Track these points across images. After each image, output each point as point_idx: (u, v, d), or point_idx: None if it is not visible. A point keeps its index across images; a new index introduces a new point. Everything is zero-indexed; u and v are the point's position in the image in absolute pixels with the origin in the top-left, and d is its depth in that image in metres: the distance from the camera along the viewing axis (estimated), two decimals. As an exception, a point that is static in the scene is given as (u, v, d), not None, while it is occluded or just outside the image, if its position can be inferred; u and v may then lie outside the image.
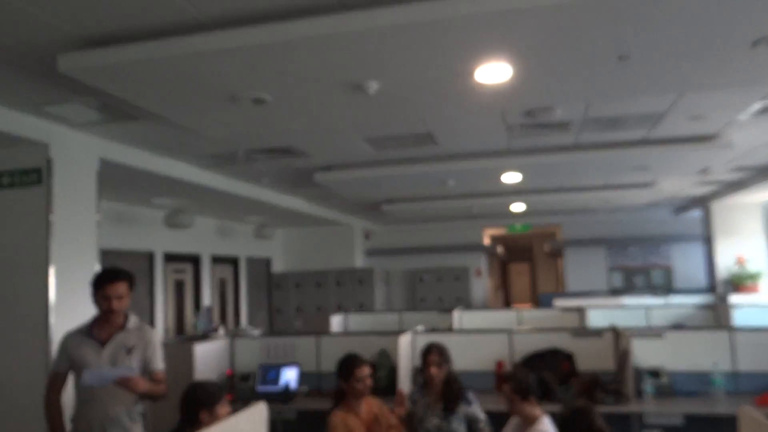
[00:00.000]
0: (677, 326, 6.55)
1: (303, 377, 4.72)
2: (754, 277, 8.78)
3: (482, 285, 12.28)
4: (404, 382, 4.27)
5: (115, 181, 5.43)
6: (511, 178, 6.78)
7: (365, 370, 3.25)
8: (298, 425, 4.28)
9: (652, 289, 10.83)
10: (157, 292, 7.49)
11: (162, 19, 2.67)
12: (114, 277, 2.96)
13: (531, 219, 11.73)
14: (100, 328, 2.99)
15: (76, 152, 4.31)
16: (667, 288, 11.02)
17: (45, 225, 3.98)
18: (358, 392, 3.21)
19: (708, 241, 9.57)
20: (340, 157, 5.85)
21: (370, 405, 3.30)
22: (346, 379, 3.23)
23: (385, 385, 4.33)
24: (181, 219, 7.44)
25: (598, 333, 4.65)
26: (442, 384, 3.47)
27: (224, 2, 2.56)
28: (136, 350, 2.99)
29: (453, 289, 11.72)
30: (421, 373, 3.66)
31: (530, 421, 3.01)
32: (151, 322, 7.18)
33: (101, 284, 2.94)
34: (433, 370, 3.49)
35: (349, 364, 3.27)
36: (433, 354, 3.54)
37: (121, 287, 2.95)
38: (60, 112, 3.92)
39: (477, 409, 3.42)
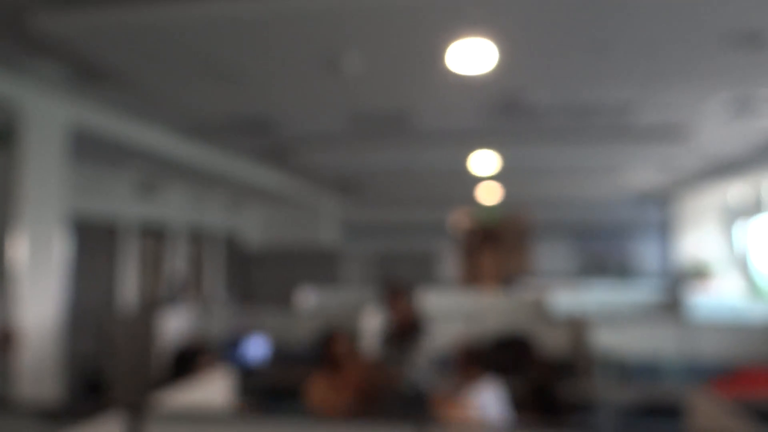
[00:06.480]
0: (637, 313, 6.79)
1: (270, 348, 4.78)
2: (705, 271, 8.99)
3: (451, 265, 12.48)
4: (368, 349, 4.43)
5: (83, 146, 5.34)
6: (486, 160, 6.87)
7: (342, 341, 3.48)
8: (264, 394, 4.35)
9: (615, 273, 11.16)
10: (124, 261, 7.43)
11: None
12: None
13: (502, 204, 11.90)
14: None
15: (45, 114, 4.23)
16: (629, 272, 11.35)
17: (10, 188, 3.92)
18: (337, 362, 3.42)
19: (667, 231, 9.85)
20: (316, 132, 5.84)
21: (357, 370, 3.50)
22: (326, 350, 3.44)
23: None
24: (150, 187, 7.37)
25: (558, 322, 4.81)
26: (404, 320, 3.68)
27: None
28: None
29: (421, 268, 11.89)
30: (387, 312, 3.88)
31: (471, 380, 3.19)
32: (117, 292, 7.14)
33: None
34: (394, 312, 3.70)
35: (328, 336, 3.51)
36: (397, 296, 3.74)
37: None
38: (27, 72, 3.83)
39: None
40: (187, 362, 2.69)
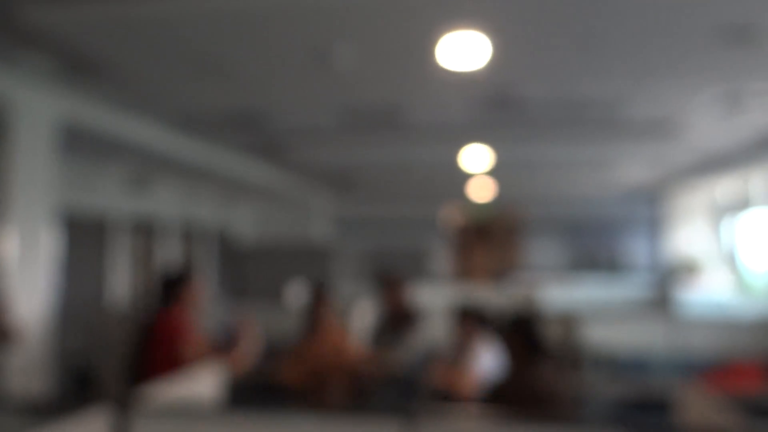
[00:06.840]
0: (627, 308, 6.83)
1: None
2: (693, 267, 9.03)
3: (443, 260, 12.51)
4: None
5: (73, 140, 5.31)
6: (478, 155, 6.88)
7: (324, 300, 3.57)
8: (255, 389, 4.35)
9: (605, 268, 11.22)
10: (115, 256, 7.40)
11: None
12: None
13: (494, 199, 11.93)
14: None
15: (34, 108, 4.19)
16: (619, 268, 11.41)
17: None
18: (323, 316, 3.49)
19: (656, 227, 9.90)
20: (308, 127, 5.82)
21: (334, 335, 3.51)
22: (316, 303, 3.51)
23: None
24: (141, 182, 7.34)
25: (549, 317, 4.82)
26: (398, 310, 3.71)
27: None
28: None
29: (414, 264, 11.90)
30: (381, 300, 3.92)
31: (469, 337, 3.21)
32: (108, 287, 7.11)
33: None
34: (388, 302, 3.73)
35: (319, 287, 3.61)
36: (390, 286, 3.77)
37: None
38: (16, 65, 3.80)
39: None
40: (173, 288, 2.76)
